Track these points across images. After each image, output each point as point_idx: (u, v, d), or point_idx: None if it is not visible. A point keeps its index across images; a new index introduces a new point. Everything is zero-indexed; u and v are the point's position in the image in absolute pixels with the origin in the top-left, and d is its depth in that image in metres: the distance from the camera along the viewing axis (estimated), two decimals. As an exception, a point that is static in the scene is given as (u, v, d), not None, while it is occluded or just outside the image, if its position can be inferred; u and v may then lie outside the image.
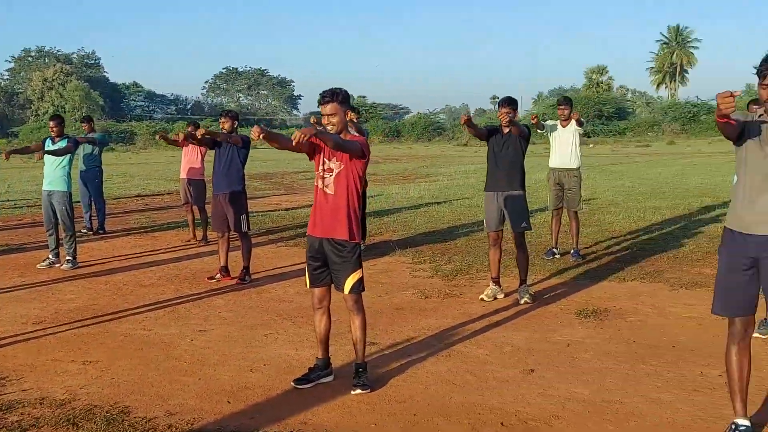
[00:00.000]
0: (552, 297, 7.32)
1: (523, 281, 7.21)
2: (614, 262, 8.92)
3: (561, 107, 9.35)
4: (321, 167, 4.84)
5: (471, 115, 6.80)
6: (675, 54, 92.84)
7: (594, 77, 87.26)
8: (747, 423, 3.94)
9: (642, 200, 15.42)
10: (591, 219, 12.67)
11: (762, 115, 3.86)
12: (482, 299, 7.17)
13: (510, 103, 7.03)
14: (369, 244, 10.40)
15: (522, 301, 7.03)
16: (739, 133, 3.86)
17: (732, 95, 3.42)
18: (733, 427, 3.94)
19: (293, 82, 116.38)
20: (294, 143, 4.31)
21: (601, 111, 69.18)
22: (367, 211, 12.41)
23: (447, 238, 11.05)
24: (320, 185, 4.84)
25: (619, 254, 9.47)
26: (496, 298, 7.22)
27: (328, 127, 4.77)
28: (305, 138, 4.29)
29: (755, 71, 3.76)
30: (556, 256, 9.25)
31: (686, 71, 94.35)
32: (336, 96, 4.76)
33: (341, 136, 4.75)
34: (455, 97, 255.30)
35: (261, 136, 4.46)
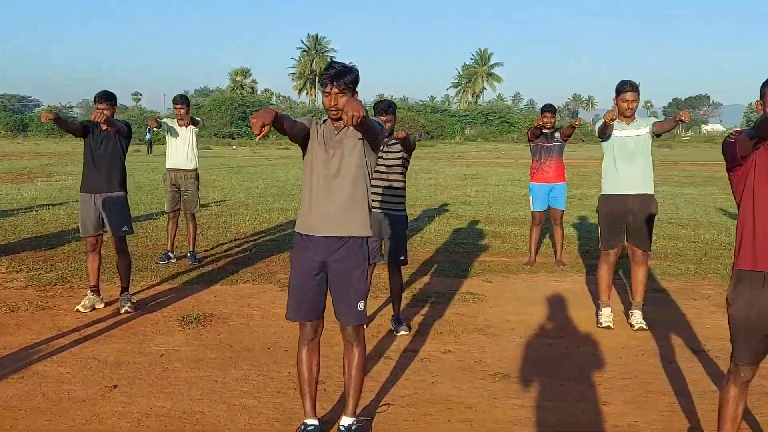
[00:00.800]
0: (158, 304, 6.98)
1: (124, 289, 6.76)
2: (231, 265, 8.87)
3: (177, 106, 9.05)
4: None
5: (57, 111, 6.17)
6: (314, 62, 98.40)
7: (238, 79, 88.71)
8: (315, 422, 4.03)
9: (272, 202, 15.77)
10: (217, 221, 12.58)
11: (327, 120, 3.98)
12: (78, 310, 6.57)
13: (108, 98, 6.56)
14: (-45, 253, 9.05)
15: (122, 311, 6.58)
16: (305, 137, 3.93)
17: (264, 123, 3.40)
18: (303, 427, 4.00)
19: None
20: None
21: (245, 113, 70.38)
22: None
23: (54, 243, 10.08)
24: None
25: (237, 256, 9.47)
26: (94, 308, 6.68)
27: None
28: None
29: (319, 80, 3.85)
30: (172, 261, 8.93)
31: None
32: None
33: None
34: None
35: None
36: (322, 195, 3.92)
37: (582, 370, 5.31)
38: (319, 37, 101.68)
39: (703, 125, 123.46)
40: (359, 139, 3.89)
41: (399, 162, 6.10)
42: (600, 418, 4.46)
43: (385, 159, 6.05)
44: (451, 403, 4.63)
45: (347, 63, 3.85)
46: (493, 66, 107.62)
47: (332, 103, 3.79)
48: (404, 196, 6.21)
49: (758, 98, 3.48)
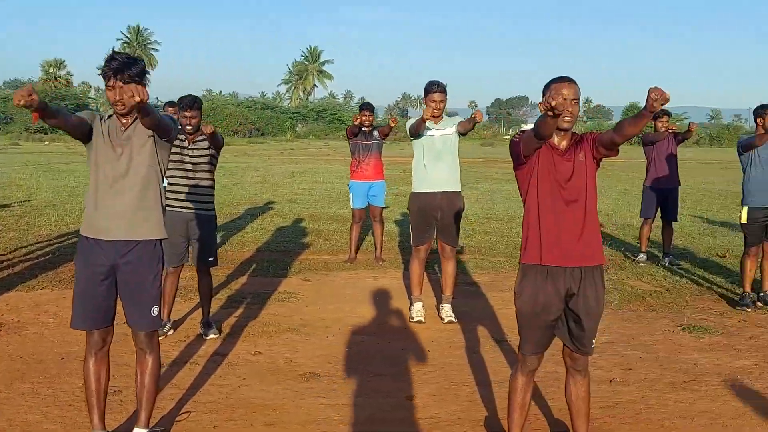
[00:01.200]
0: (-61, 315, 6.31)
1: None
2: (29, 270, 8.20)
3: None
4: None
5: None
6: (135, 54, 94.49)
7: (51, 71, 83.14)
8: (102, 436, 3.78)
9: (82, 202, 14.75)
10: (19, 222, 11.64)
11: (113, 115, 3.74)
12: None
13: None
14: None
15: None
16: (87, 133, 3.66)
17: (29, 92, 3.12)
18: (88, 443, 3.73)
19: None
20: None
21: (59, 107, 65.91)
22: None
23: None
24: None
25: (38, 260, 8.78)
26: None
27: None
28: None
29: (100, 72, 3.62)
30: (-39, 266, 8.15)
31: (148, 72, 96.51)
32: None
33: None
34: None
35: None
36: (110, 196, 3.67)
37: (392, 365, 5.36)
38: (140, 28, 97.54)
39: (522, 124, 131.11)
40: (149, 136, 3.68)
41: (206, 159, 5.88)
42: (406, 413, 4.51)
43: (191, 156, 5.82)
44: (256, 406, 4.51)
45: (132, 54, 3.64)
46: (323, 63, 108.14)
47: (117, 98, 3.56)
48: (213, 195, 5.99)
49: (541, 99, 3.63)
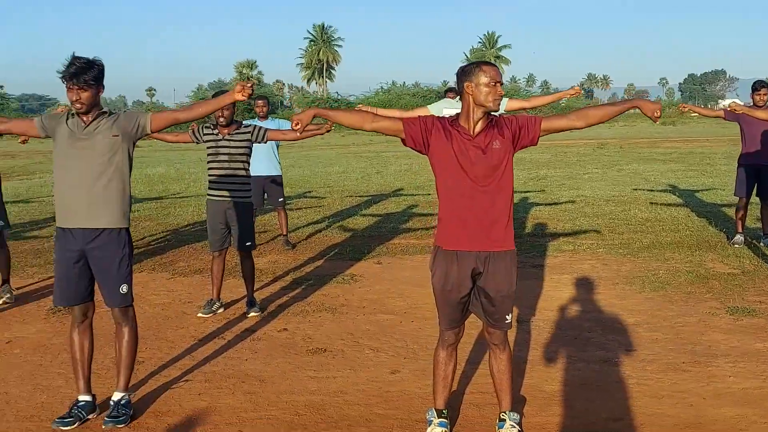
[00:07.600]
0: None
1: None
2: (138, 254, 9.13)
3: None
4: None
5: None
6: (321, 51, 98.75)
7: (244, 71, 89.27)
8: (87, 398, 4.33)
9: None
10: (161, 213, 12.89)
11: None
12: None
13: None
14: None
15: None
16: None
17: None
18: (75, 403, 4.28)
19: None
20: None
21: (249, 104, 70.10)
22: None
23: None
24: None
25: (149, 247, 9.77)
26: None
27: None
28: None
29: (60, 76, 4.05)
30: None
31: (333, 68, 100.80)
32: None
33: None
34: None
35: None
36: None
37: (397, 341, 5.57)
38: (325, 26, 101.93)
39: (720, 100, 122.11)
40: (114, 135, 4.18)
41: (242, 151, 6.35)
42: (378, 385, 4.74)
43: (229, 147, 6.30)
44: (248, 377, 4.91)
45: (91, 57, 4.05)
46: (501, 48, 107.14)
47: (75, 98, 4.04)
48: (249, 183, 6.48)
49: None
